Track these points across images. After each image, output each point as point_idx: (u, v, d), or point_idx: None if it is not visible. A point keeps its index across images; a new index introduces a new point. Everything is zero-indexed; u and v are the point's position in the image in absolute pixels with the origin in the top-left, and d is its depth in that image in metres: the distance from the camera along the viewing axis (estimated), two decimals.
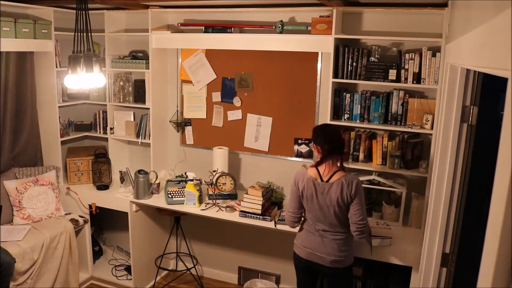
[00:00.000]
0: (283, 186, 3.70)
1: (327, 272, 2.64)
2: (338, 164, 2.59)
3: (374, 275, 3.31)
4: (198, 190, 3.44)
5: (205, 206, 3.45)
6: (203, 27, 3.58)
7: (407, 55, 2.98)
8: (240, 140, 3.79)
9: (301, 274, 2.84)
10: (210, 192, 3.52)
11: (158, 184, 3.72)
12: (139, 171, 3.61)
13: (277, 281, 3.90)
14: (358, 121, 3.20)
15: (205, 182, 3.55)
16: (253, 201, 3.22)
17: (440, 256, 2.36)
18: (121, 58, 3.85)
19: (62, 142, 3.91)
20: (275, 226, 3.15)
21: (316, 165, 2.59)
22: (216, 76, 3.78)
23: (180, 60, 3.88)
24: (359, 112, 3.19)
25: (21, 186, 3.54)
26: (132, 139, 3.94)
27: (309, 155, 3.57)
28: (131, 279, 3.86)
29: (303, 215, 2.72)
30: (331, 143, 2.53)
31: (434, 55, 2.90)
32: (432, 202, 2.38)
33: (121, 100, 3.95)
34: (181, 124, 3.97)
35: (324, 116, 3.37)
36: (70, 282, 3.58)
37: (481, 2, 1.33)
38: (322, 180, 2.55)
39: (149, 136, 3.82)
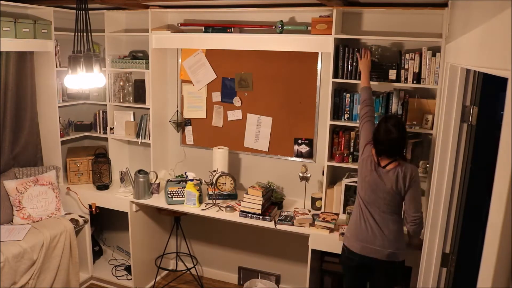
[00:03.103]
0: (283, 186, 3.70)
1: (382, 266, 2.51)
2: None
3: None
4: (198, 190, 3.45)
5: (205, 206, 3.45)
6: (203, 27, 3.58)
7: (407, 55, 2.98)
8: (240, 140, 3.79)
9: (351, 273, 2.67)
10: (210, 192, 3.52)
11: (158, 184, 3.72)
12: (139, 171, 3.62)
13: (277, 281, 3.90)
14: (358, 121, 3.19)
15: (205, 182, 3.55)
16: (253, 201, 3.22)
17: (440, 256, 2.36)
18: (121, 58, 3.85)
19: (62, 142, 3.91)
20: (275, 226, 3.15)
21: None
22: (216, 76, 3.78)
23: (180, 60, 3.88)
24: (359, 112, 3.18)
25: (21, 186, 3.54)
26: (132, 139, 3.94)
27: (309, 155, 3.58)
28: (131, 279, 3.86)
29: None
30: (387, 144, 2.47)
31: (434, 55, 2.90)
32: (432, 202, 2.37)
33: (121, 100, 3.95)
34: (181, 124, 3.97)
35: (324, 116, 3.37)
36: (70, 282, 3.58)
37: (481, 2, 1.33)
38: (379, 164, 2.51)
39: (149, 136, 3.82)
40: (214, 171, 3.53)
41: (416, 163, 3.09)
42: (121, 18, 3.96)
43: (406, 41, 3.09)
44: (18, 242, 3.21)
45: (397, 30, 3.11)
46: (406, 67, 2.99)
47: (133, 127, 3.93)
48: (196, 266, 4.09)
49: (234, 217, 3.30)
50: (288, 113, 3.60)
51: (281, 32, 3.31)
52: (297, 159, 3.62)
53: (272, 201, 3.44)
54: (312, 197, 3.42)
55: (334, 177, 3.41)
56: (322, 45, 3.17)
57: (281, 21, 3.31)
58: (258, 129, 3.72)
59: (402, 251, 2.56)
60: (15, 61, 3.62)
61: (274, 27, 3.34)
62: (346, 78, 3.14)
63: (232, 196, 3.57)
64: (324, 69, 3.40)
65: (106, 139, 4.06)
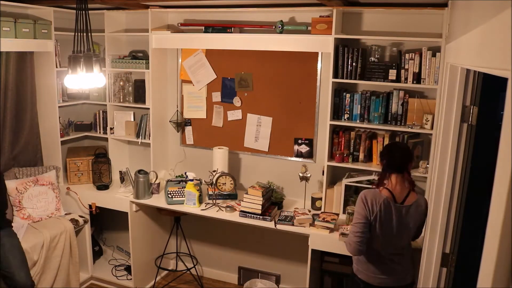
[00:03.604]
0: (283, 186, 3.70)
1: None
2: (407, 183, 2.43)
3: None
4: (198, 190, 3.45)
5: (205, 206, 3.45)
6: (203, 27, 3.58)
7: (407, 55, 2.98)
8: (240, 140, 3.79)
9: None
10: (210, 192, 3.52)
11: (158, 184, 3.72)
12: (139, 171, 3.62)
13: (277, 281, 3.90)
14: (358, 121, 3.19)
15: (205, 182, 3.55)
16: (253, 201, 3.22)
17: (440, 256, 2.36)
18: (121, 58, 3.85)
19: (62, 142, 3.91)
20: (275, 226, 3.15)
21: (387, 186, 2.41)
22: (216, 76, 3.78)
23: (180, 60, 3.88)
24: (359, 112, 3.19)
25: (21, 186, 3.54)
26: (132, 139, 3.94)
27: (309, 155, 3.58)
28: (131, 279, 3.86)
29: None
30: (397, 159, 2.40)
31: (434, 55, 2.90)
32: (432, 202, 2.38)
33: (121, 100, 3.95)
34: (181, 124, 3.97)
35: (324, 116, 3.37)
36: (71, 281, 3.58)
37: (481, 2, 1.33)
38: (396, 201, 2.38)
39: (149, 136, 3.82)
40: (214, 171, 3.53)
41: (416, 163, 3.09)
42: (121, 18, 3.96)
43: (406, 41, 3.09)
44: None
45: (397, 30, 3.11)
46: (406, 67, 2.99)
47: (133, 127, 3.93)
48: (196, 266, 4.09)
49: (234, 217, 3.30)
50: (288, 113, 3.60)
51: (281, 32, 3.31)
52: (297, 159, 3.62)
53: (272, 201, 3.44)
54: (312, 197, 3.42)
55: (334, 177, 3.41)
56: (322, 45, 3.17)
57: (281, 21, 3.31)
58: (258, 129, 3.72)
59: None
60: (15, 61, 3.62)
61: (274, 27, 3.34)
62: (346, 78, 3.14)
63: (232, 196, 3.57)
64: (324, 69, 3.40)
65: (106, 139, 4.06)
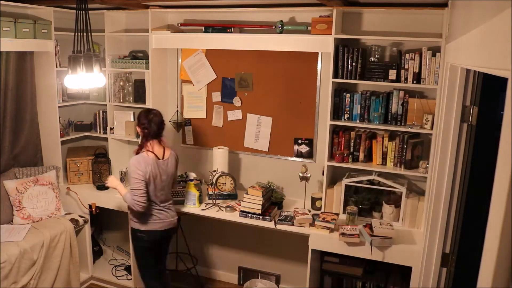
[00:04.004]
0: (283, 186, 3.70)
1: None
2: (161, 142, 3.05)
3: (374, 275, 3.31)
4: (198, 190, 3.45)
5: (205, 206, 3.45)
6: (203, 27, 3.58)
7: (407, 55, 2.98)
8: (240, 140, 3.79)
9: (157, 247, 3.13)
10: (210, 192, 3.52)
11: None
12: None
13: (277, 281, 3.90)
14: (358, 121, 3.19)
15: (205, 182, 3.55)
16: (253, 201, 3.22)
17: (440, 256, 2.36)
18: (121, 58, 3.85)
19: (62, 142, 3.91)
20: (275, 226, 3.15)
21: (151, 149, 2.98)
22: (216, 76, 3.78)
23: (180, 60, 3.88)
24: (359, 112, 3.19)
25: (21, 186, 3.54)
26: (132, 139, 3.94)
27: (309, 155, 3.58)
28: (131, 279, 3.86)
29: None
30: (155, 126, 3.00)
31: (434, 55, 2.90)
32: (432, 202, 2.38)
33: (121, 100, 3.95)
34: (181, 124, 3.97)
35: (324, 116, 3.37)
36: (71, 281, 3.58)
37: (481, 2, 1.33)
38: (159, 159, 2.99)
39: None
40: (214, 171, 3.53)
41: (416, 163, 3.09)
42: (121, 18, 3.96)
43: (406, 41, 3.09)
44: (18, 242, 3.21)
45: (397, 30, 3.11)
46: (406, 67, 2.99)
47: (133, 127, 3.93)
48: (196, 266, 4.09)
49: (234, 217, 3.30)
50: (288, 113, 3.60)
51: (281, 32, 3.31)
52: (297, 159, 3.62)
53: (272, 201, 3.44)
54: (312, 197, 3.43)
55: (334, 177, 3.41)
56: (322, 45, 3.17)
57: (281, 21, 3.31)
58: (258, 129, 3.72)
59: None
60: (15, 61, 3.62)
61: (274, 27, 3.34)
62: (346, 78, 3.14)
63: (232, 196, 3.57)
64: (324, 69, 3.40)
65: (106, 139, 4.06)
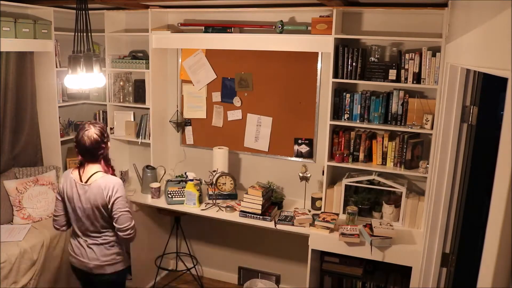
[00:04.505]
0: (283, 186, 3.70)
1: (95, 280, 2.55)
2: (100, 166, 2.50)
3: (374, 275, 3.31)
4: (198, 190, 3.45)
5: (205, 206, 3.45)
6: (203, 27, 3.58)
7: (407, 55, 2.98)
8: (240, 140, 3.79)
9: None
10: (210, 192, 3.52)
11: (159, 188, 3.67)
12: (147, 166, 3.71)
13: (277, 281, 3.90)
14: (358, 121, 3.19)
15: (205, 182, 3.55)
16: (253, 201, 3.22)
17: (440, 256, 2.36)
18: (121, 58, 3.85)
19: (62, 142, 3.91)
20: (275, 226, 3.15)
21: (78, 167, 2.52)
22: (216, 76, 3.78)
23: (180, 60, 3.88)
24: (359, 112, 3.19)
25: (21, 186, 3.54)
26: (132, 139, 3.94)
27: (309, 155, 3.58)
28: (131, 279, 3.86)
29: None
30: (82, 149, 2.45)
31: (434, 55, 2.90)
32: (432, 202, 2.38)
33: (121, 100, 3.95)
34: (181, 124, 3.97)
35: (324, 116, 3.37)
36: (71, 282, 3.58)
37: (481, 2, 1.33)
38: (81, 181, 2.46)
39: (149, 136, 3.82)
40: (214, 171, 3.53)
41: (416, 163, 3.09)
42: (121, 18, 3.96)
43: (406, 41, 3.09)
44: (18, 242, 3.21)
45: (397, 30, 3.11)
46: (406, 67, 2.99)
47: (133, 127, 3.93)
48: (196, 266, 4.10)
49: (234, 217, 3.30)
50: (288, 113, 3.60)
51: (281, 32, 3.31)
52: (297, 159, 3.62)
53: (272, 201, 3.44)
54: (312, 197, 3.43)
55: (334, 177, 3.41)
56: (322, 45, 3.17)
57: (281, 21, 3.31)
58: (258, 129, 3.72)
59: (118, 261, 2.61)
60: (15, 61, 3.62)
61: (274, 27, 3.34)
62: (346, 78, 3.14)
63: (232, 196, 3.57)
64: (324, 69, 3.40)
65: None
